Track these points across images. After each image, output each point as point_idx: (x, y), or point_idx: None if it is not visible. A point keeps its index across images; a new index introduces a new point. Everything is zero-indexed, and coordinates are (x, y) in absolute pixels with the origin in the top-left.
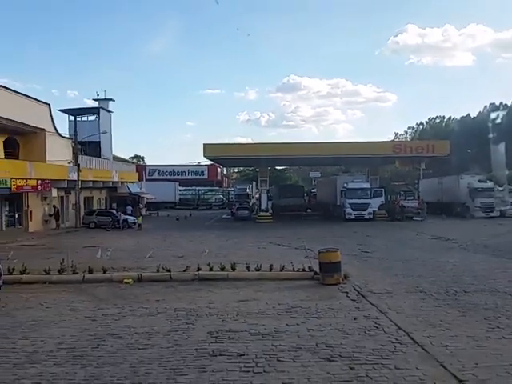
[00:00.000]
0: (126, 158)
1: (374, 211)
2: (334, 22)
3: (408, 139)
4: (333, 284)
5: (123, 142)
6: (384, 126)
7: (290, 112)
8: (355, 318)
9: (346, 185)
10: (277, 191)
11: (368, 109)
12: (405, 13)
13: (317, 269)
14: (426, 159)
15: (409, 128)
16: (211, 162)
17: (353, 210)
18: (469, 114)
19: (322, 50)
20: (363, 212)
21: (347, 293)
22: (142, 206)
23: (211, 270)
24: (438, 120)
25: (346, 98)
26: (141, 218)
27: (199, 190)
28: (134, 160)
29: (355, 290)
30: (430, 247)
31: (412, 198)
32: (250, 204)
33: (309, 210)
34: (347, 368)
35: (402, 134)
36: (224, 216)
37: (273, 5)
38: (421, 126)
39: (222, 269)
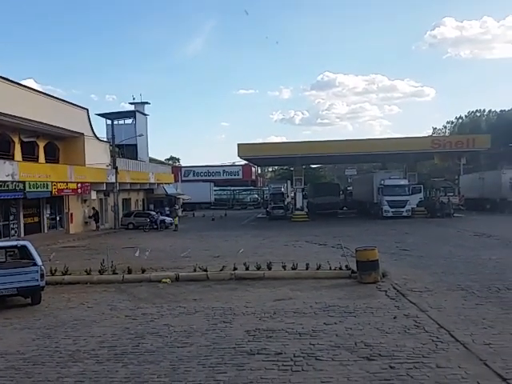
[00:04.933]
0: (162, 159)
1: (412, 208)
2: (368, 17)
3: (447, 134)
4: (371, 283)
5: (159, 144)
6: (422, 121)
7: (325, 110)
8: (395, 317)
9: (383, 182)
10: (312, 190)
11: (405, 104)
12: (441, 6)
13: (354, 267)
14: (466, 154)
15: (448, 122)
16: (246, 162)
17: (390, 207)
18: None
19: (357, 46)
20: (401, 209)
21: (386, 291)
22: (177, 206)
23: (247, 269)
24: (478, 114)
25: (383, 94)
26: (177, 218)
27: (234, 190)
28: (170, 161)
29: (394, 288)
30: (471, 244)
31: (452, 193)
32: (285, 203)
33: (345, 208)
34: (387, 367)
35: (440, 129)
36: (259, 215)
37: (304, 1)
38: (460, 120)
39: (258, 268)
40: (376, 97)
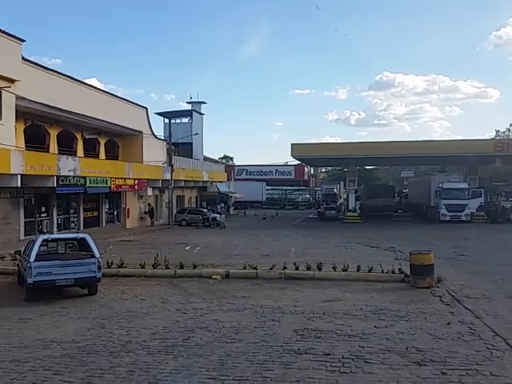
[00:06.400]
0: (216, 158)
1: (471, 213)
2: (431, 16)
3: (511, 137)
4: (425, 287)
5: (213, 143)
6: (485, 123)
7: (382, 110)
8: (449, 323)
9: (441, 185)
10: (366, 191)
11: (468, 105)
12: (508, 6)
13: (407, 271)
14: None
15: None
16: (298, 162)
17: (448, 211)
18: None
19: (418, 47)
20: (459, 213)
21: (440, 297)
22: (223, 204)
23: (297, 269)
24: None
25: (444, 95)
26: (223, 216)
27: (286, 190)
28: (224, 160)
29: (449, 294)
30: None
31: None
32: (338, 204)
33: (399, 211)
34: (439, 373)
35: (504, 132)
36: (310, 216)
37: (363, 1)
38: None
39: (308, 268)
40: (437, 97)
